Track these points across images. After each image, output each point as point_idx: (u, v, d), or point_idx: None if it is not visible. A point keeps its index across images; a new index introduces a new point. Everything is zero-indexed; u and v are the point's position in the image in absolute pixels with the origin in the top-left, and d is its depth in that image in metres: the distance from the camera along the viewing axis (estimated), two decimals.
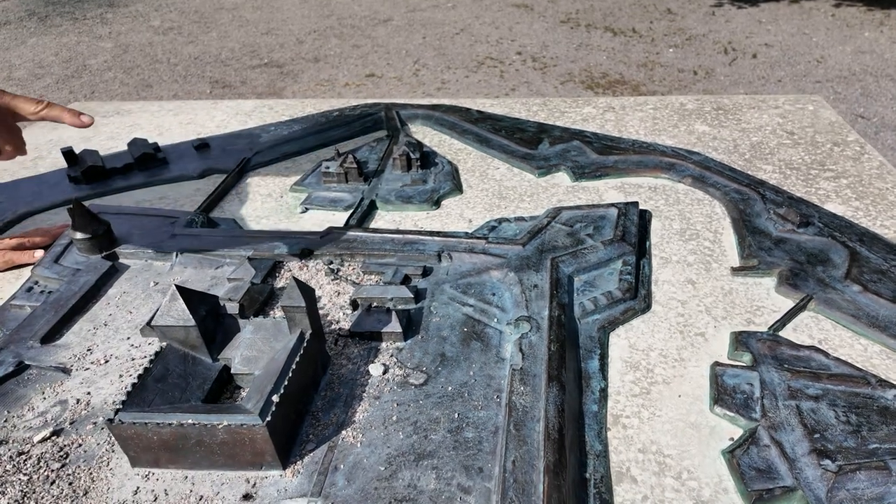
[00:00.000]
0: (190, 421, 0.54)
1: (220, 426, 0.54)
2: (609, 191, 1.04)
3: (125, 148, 1.18)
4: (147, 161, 1.14)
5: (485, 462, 0.58)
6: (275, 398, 0.56)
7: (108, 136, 1.34)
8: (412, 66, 3.95)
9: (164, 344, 0.62)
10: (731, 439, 0.61)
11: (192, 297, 0.62)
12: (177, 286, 0.61)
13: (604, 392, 0.67)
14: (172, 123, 1.38)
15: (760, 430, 0.60)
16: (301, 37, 4.58)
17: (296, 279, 0.61)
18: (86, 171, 1.08)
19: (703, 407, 0.64)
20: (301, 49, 4.24)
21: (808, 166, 1.09)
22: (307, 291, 0.62)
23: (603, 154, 1.12)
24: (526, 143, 1.18)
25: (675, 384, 0.67)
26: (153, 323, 0.61)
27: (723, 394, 0.64)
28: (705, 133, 1.23)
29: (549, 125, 1.26)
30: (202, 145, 1.21)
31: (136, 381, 0.58)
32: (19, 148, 0.69)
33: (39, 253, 0.90)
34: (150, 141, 1.18)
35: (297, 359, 0.60)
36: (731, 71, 3.82)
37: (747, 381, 0.66)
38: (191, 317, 0.61)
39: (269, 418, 0.54)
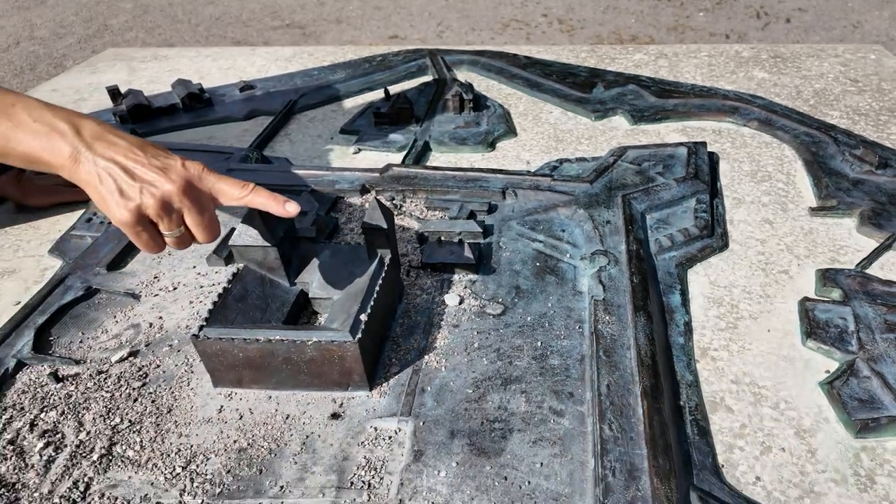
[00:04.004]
0: (278, 337, 0.52)
1: (310, 343, 0.52)
2: (671, 134, 1.00)
3: (166, 90, 1.16)
4: (193, 101, 1.11)
5: (574, 388, 0.56)
6: (363, 317, 0.54)
7: (149, 79, 1.32)
8: (436, 27, 3.87)
9: (241, 266, 0.61)
10: (827, 372, 0.58)
11: (269, 218, 0.60)
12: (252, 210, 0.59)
13: (688, 326, 0.64)
14: (212, 68, 1.35)
15: (859, 363, 0.58)
16: None
17: (378, 200, 0.59)
18: (132, 108, 1.06)
19: (794, 341, 0.62)
20: (322, 10, 4.16)
21: (876, 112, 1.05)
22: (388, 213, 0.60)
23: (662, 97, 1.08)
24: (579, 87, 1.14)
25: (762, 319, 0.65)
26: (231, 242, 0.59)
27: (815, 328, 0.62)
28: (765, 80, 1.18)
29: (602, 70, 1.22)
30: (247, 87, 1.18)
31: (216, 299, 0.56)
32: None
33: None
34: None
35: (380, 281, 0.58)
36: (763, 35, 3.70)
37: (840, 315, 0.63)
38: (270, 237, 0.59)
39: (359, 335, 0.52)
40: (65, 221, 0.84)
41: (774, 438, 0.53)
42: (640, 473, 0.47)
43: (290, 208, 0.53)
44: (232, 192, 0.53)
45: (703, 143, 0.90)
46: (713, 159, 0.92)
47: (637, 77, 1.18)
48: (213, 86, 1.24)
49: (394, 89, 1.21)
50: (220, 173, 0.53)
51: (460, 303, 0.66)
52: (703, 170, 0.84)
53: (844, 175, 0.85)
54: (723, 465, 0.51)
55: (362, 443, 0.52)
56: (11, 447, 0.52)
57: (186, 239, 0.54)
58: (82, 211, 0.84)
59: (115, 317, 0.65)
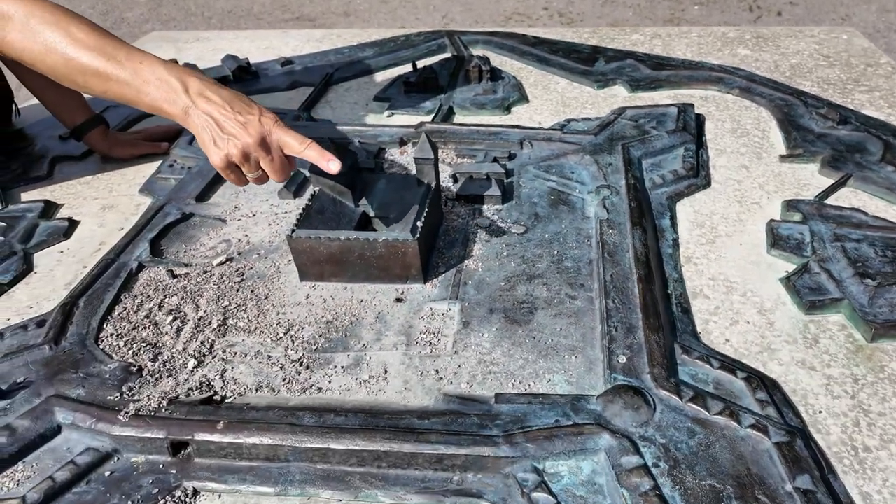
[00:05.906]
0: (355, 236, 0.67)
1: (380, 240, 0.67)
2: (663, 100, 1.15)
3: (214, 66, 1.30)
4: (242, 74, 1.26)
5: (584, 281, 0.71)
6: (419, 223, 0.68)
7: (195, 57, 1.45)
8: (441, 20, 4.01)
9: (317, 188, 0.75)
10: (786, 272, 0.73)
11: (340, 150, 0.74)
12: (330, 139, 0.73)
13: (676, 241, 0.79)
14: (251, 48, 1.50)
15: (811, 263, 0.73)
16: None
17: (427, 135, 0.74)
18: None
19: (761, 251, 0.77)
20: (330, 4, 4.31)
21: (843, 82, 1.20)
22: (434, 147, 0.75)
23: (656, 70, 1.23)
24: (583, 61, 1.29)
25: (735, 237, 0.80)
26: (309, 171, 0.74)
27: (778, 240, 0.77)
28: (748, 56, 1.33)
29: (603, 47, 1.37)
30: (287, 63, 1.33)
31: (301, 212, 0.71)
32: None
33: (165, 144, 1.03)
34: None
35: (429, 199, 0.72)
36: (755, 28, 3.86)
37: (799, 231, 0.78)
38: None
39: (417, 236, 0.67)
40: (146, 169, 0.98)
41: (741, 315, 0.68)
42: (636, 329, 0.62)
43: (332, 166, 0.66)
44: (293, 145, 0.67)
45: (691, 105, 1.05)
46: (699, 119, 1.06)
47: (634, 53, 1.32)
48: (255, 62, 1.38)
49: (420, 63, 1.35)
50: (287, 128, 0.68)
51: (490, 225, 0.81)
52: (690, 124, 0.99)
53: (811, 130, 1.00)
54: (700, 332, 0.66)
55: (422, 317, 0.66)
56: (147, 320, 0.67)
57: (263, 178, 0.70)
58: (160, 161, 0.99)
59: (209, 234, 0.80)
